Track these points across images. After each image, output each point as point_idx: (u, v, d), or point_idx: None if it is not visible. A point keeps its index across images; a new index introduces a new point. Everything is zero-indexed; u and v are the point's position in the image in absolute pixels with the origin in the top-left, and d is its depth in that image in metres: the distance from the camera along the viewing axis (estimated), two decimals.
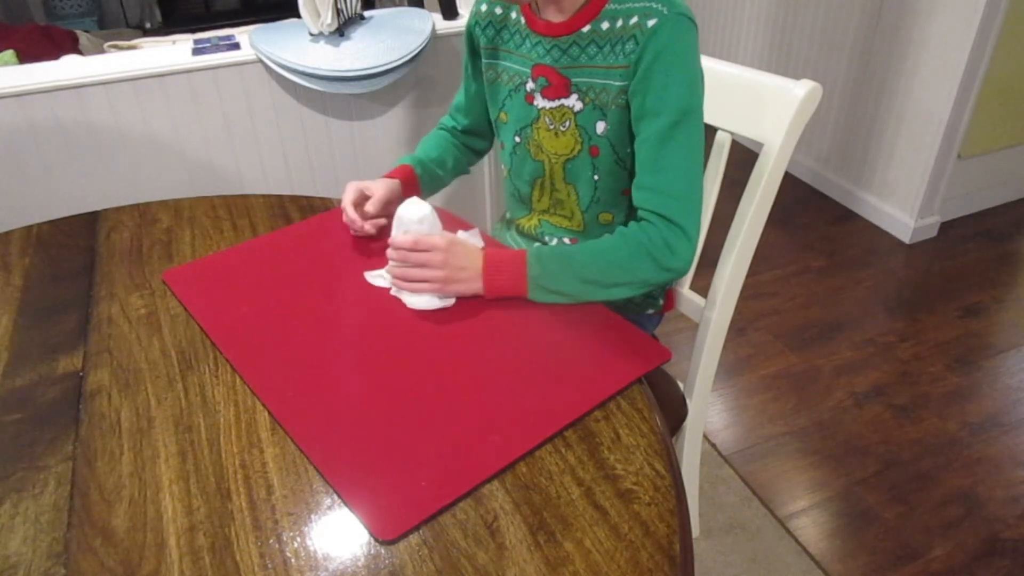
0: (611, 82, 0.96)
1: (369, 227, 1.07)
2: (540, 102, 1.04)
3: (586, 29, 0.96)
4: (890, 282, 2.24)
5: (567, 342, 0.88)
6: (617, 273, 0.93)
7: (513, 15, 1.06)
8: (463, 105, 1.22)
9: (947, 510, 1.53)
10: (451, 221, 1.04)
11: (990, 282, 2.23)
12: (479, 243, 1.01)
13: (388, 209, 1.08)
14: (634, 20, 0.91)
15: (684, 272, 0.97)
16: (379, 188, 1.09)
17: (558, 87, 1.01)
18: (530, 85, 1.04)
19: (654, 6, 0.90)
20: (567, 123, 1.02)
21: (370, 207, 1.07)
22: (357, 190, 1.09)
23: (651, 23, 0.90)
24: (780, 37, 2.72)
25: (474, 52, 1.13)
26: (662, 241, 0.92)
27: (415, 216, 0.93)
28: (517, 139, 1.09)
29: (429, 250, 0.91)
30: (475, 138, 1.26)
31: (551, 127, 1.03)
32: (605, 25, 0.95)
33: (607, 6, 0.95)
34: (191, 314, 0.94)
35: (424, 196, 1.17)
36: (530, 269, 0.92)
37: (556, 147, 1.04)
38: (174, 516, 0.68)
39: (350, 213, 1.06)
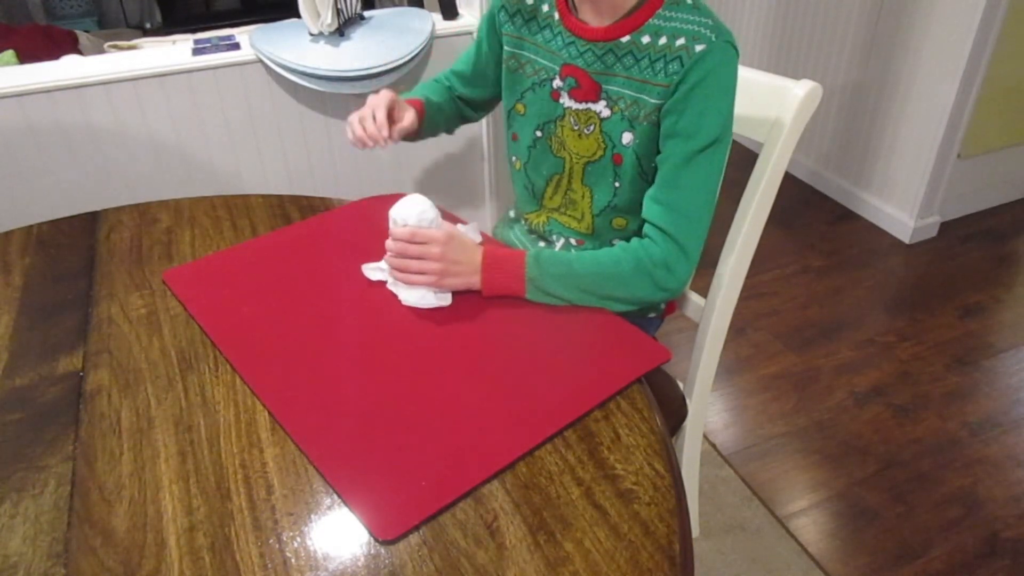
0: (646, 97, 0.95)
1: (383, 141, 1.04)
2: (567, 101, 1.03)
3: (625, 39, 0.95)
4: (890, 282, 2.24)
5: (567, 342, 0.88)
6: (614, 287, 0.93)
7: (545, 8, 1.04)
8: (468, 76, 1.20)
9: (947, 510, 1.52)
10: (446, 217, 1.04)
11: (990, 282, 2.23)
12: (476, 237, 1.01)
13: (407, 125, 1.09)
14: (681, 41, 0.91)
15: (678, 293, 0.97)
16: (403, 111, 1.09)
17: (587, 90, 1.00)
18: (557, 82, 1.03)
19: (703, 31, 0.90)
20: (592, 127, 1.01)
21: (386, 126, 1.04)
22: (391, 101, 1.06)
23: (699, 48, 0.89)
24: (780, 37, 2.72)
25: (493, 32, 1.11)
26: (662, 261, 0.93)
27: (414, 210, 0.93)
28: (538, 133, 1.08)
29: (426, 243, 0.91)
30: (468, 108, 1.25)
31: (575, 128, 1.03)
32: (646, 39, 0.94)
33: (651, 20, 0.93)
34: (191, 314, 0.94)
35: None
36: (528, 270, 0.92)
37: (579, 148, 1.04)
38: (174, 516, 0.68)
39: (379, 117, 1.03)
